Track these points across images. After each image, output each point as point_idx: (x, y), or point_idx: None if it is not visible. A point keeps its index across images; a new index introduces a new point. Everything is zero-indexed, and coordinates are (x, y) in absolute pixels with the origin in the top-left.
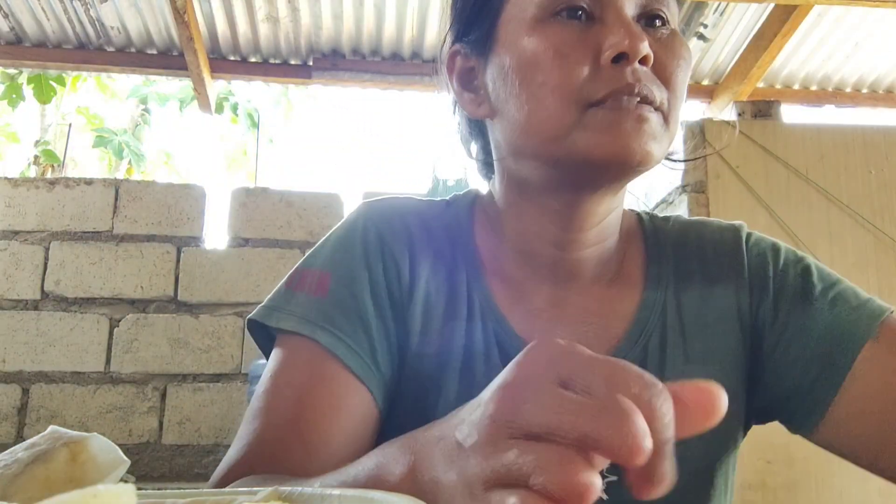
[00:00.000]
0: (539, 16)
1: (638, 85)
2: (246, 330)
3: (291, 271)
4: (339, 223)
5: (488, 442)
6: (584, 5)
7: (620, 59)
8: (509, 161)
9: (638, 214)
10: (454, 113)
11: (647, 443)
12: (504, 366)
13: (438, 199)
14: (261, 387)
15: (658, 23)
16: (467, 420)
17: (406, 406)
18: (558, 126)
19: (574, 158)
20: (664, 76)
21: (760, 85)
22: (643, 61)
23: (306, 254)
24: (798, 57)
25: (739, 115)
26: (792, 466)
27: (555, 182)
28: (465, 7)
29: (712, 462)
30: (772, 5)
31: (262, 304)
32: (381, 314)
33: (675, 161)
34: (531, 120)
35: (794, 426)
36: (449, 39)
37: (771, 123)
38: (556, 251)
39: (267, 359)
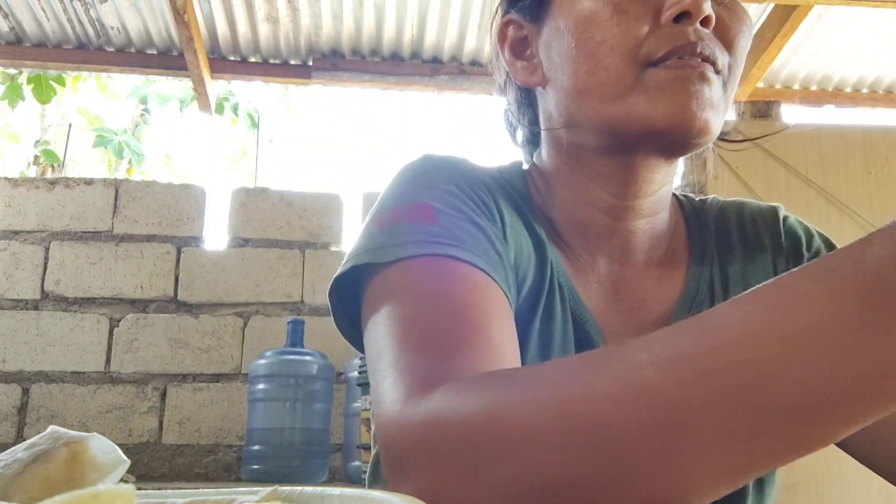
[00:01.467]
0: None
1: (700, 44)
2: (246, 329)
3: (373, 214)
4: (402, 169)
5: None
6: None
7: (682, 18)
8: (560, 131)
9: (675, 196)
10: (504, 86)
11: None
12: (576, 332)
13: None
14: (397, 317)
15: None
16: None
17: None
18: (617, 86)
19: (632, 123)
20: (726, 40)
21: (760, 85)
22: (705, 23)
23: (378, 199)
24: (798, 57)
25: (739, 115)
26: (792, 467)
27: (609, 148)
28: None
29: None
30: (772, 5)
31: (352, 253)
32: (496, 241)
33: (731, 142)
34: (589, 81)
35: None
36: (500, 11)
37: (771, 123)
38: (608, 219)
39: (348, 339)
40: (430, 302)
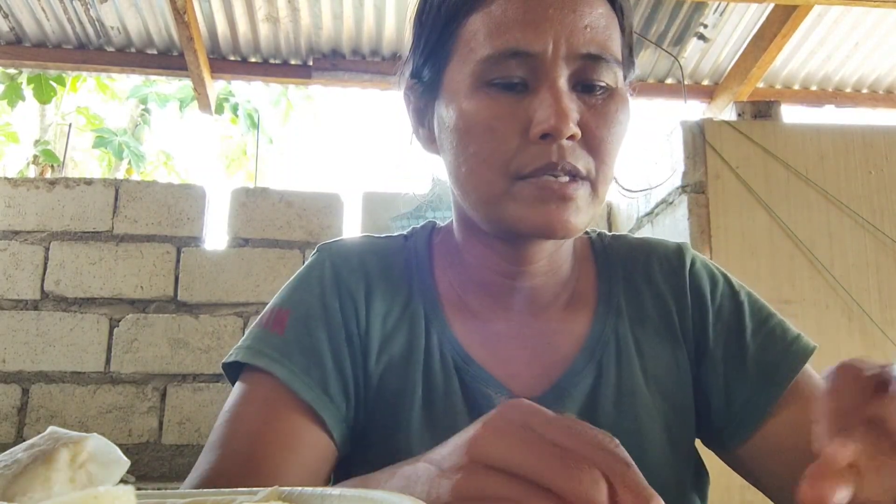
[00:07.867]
0: (475, 82)
1: (562, 162)
2: (246, 329)
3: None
4: (304, 264)
5: (463, 467)
6: (519, 76)
7: (547, 136)
8: (458, 198)
9: (588, 235)
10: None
11: (602, 498)
12: (464, 396)
13: (396, 234)
14: (220, 419)
15: (598, 86)
16: (448, 444)
17: (372, 440)
18: (490, 194)
19: (505, 223)
20: (593, 146)
21: (760, 85)
22: (571, 137)
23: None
24: (798, 57)
25: (739, 115)
26: None
27: (495, 231)
28: (419, 47)
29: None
30: (772, 5)
31: (238, 344)
32: (335, 349)
33: (631, 192)
34: (467, 182)
35: (711, 443)
36: (407, 72)
37: (771, 123)
38: (509, 281)
39: None
40: (238, 426)
